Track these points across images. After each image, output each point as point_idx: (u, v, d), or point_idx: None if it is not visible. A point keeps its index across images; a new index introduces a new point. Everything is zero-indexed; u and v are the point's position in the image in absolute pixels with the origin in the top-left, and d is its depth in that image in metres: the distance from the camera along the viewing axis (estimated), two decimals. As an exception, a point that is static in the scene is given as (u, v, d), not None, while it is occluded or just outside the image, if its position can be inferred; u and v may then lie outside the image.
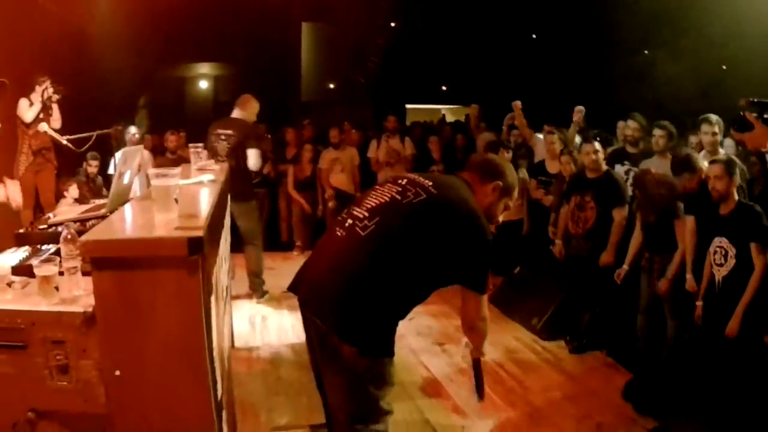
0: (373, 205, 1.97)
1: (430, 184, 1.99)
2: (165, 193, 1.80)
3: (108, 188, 6.10)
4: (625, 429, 3.11)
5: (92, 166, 5.83)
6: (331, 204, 6.68)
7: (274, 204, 7.02)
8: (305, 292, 1.99)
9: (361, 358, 1.84)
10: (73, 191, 5.37)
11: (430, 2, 8.21)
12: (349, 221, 1.97)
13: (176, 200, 1.83)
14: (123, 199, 2.45)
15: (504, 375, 3.74)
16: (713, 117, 3.95)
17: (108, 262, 1.58)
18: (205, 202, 2.04)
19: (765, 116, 2.14)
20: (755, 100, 2.15)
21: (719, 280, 3.26)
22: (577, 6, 7.55)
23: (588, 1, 7.44)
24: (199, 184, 2.43)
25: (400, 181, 2.03)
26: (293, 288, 2.05)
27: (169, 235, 1.57)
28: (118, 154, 5.73)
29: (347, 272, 1.89)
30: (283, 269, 5.92)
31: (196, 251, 1.54)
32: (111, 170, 6.12)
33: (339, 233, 1.98)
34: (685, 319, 3.51)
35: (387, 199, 1.97)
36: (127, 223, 1.88)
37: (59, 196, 5.31)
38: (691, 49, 5.93)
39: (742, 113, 2.19)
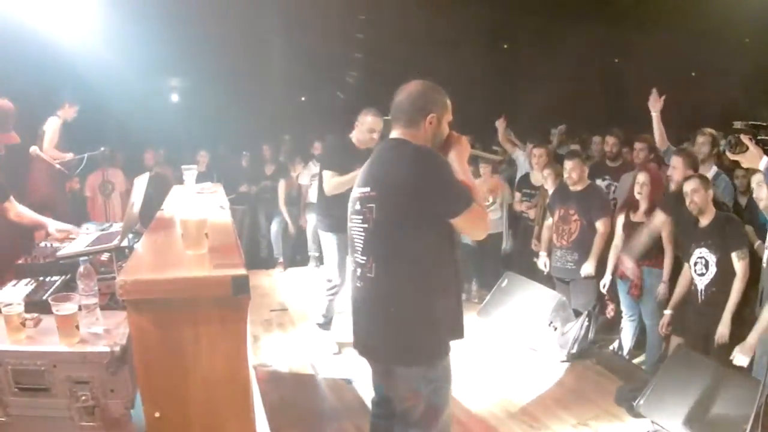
0: (361, 245, 2.00)
1: (368, 190, 1.98)
2: (196, 228, 1.77)
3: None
4: (620, 434, 3.23)
5: (74, 182, 5.59)
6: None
7: (254, 220, 6.93)
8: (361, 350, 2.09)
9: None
10: (49, 209, 5.14)
11: (396, 15, 8.26)
12: (359, 270, 2.01)
13: (206, 235, 1.81)
14: (131, 227, 2.40)
15: (499, 384, 3.81)
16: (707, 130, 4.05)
17: (147, 303, 1.56)
18: (232, 232, 2.02)
19: (759, 137, 2.27)
20: (750, 123, 2.28)
21: (702, 288, 3.41)
22: (549, 15, 7.75)
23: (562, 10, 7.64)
24: (218, 212, 2.40)
25: (356, 207, 2.02)
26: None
27: (211, 275, 1.56)
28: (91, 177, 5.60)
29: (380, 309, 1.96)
30: (267, 287, 5.86)
31: (241, 291, 1.53)
32: (86, 192, 5.93)
33: (358, 284, 2.02)
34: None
35: (363, 233, 1.98)
36: (159, 260, 1.84)
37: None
38: (660, 58, 6.17)
39: (737, 135, 2.31)
